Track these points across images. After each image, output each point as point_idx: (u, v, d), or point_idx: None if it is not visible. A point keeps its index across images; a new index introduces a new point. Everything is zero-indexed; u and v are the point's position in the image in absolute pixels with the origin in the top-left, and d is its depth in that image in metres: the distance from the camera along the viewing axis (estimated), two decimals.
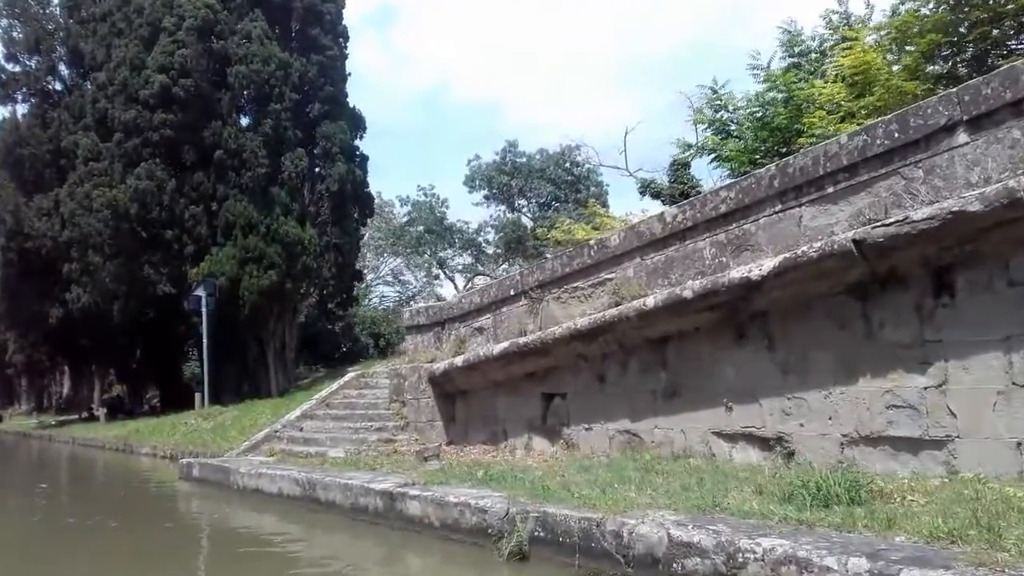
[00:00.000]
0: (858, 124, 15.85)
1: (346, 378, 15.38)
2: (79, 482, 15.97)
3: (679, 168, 25.09)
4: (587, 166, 32.02)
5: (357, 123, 29.95)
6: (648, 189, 26.21)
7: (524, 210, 34.51)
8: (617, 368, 9.26)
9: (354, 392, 14.80)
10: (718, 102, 18.68)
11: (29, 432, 34.27)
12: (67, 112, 30.88)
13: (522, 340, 10.15)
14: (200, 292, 22.80)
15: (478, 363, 10.88)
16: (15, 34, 32.99)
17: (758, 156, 16.44)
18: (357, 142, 29.95)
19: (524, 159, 33.95)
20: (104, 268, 26.41)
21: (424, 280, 45.24)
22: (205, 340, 22.73)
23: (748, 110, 17.95)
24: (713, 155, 18.49)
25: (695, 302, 7.96)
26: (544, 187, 31.79)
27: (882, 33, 16.14)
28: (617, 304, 9.21)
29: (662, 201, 26.35)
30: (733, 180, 8.44)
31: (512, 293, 10.96)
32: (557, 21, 77.15)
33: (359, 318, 39.34)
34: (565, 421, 10.00)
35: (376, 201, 35.39)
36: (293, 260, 26.09)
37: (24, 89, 32.97)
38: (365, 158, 30.37)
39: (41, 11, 33.55)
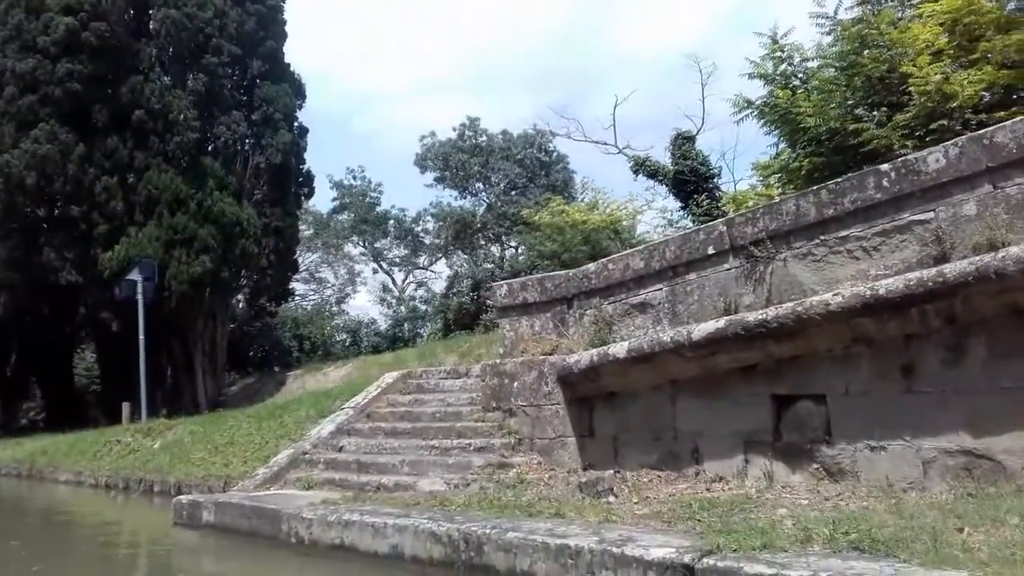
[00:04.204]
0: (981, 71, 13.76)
1: (387, 380, 11.67)
2: (9, 532, 11.12)
3: (683, 142, 22.37)
4: (560, 142, 28.86)
5: (297, 89, 25.85)
6: (643, 168, 23.40)
7: (482, 195, 31.09)
8: (942, 355, 6.17)
9: (405, 398, 11.13)
10: (779, 54, 15.89)
11: None
12: None
13: (751, 318, 6.93)
14: (135, 276, 18.25)
15: (656, 353, 7.57)
16: None
17: (852, 106, 13.84)
18: (296, 111, 25.91)
19: (485, 139, 30.50)
20: None
21: (345, 277, 40.92)
22: (142, 337, 18.18)
23: (820, 61, 15.37)
24: (779, 113, 15.73)
25: None
26: (511, 168, 28.51)
27: None
28: (942, 257, 6.17)
29: (659, 181, 23.64)
30: None
31: (710, 251, 7.70)
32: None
33: (280, 318, 34.88)
34: (822, 437, 6.81)
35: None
36: (230, 244, 21.94)
37: None
38: (305, 130, 26.36)
39: None
